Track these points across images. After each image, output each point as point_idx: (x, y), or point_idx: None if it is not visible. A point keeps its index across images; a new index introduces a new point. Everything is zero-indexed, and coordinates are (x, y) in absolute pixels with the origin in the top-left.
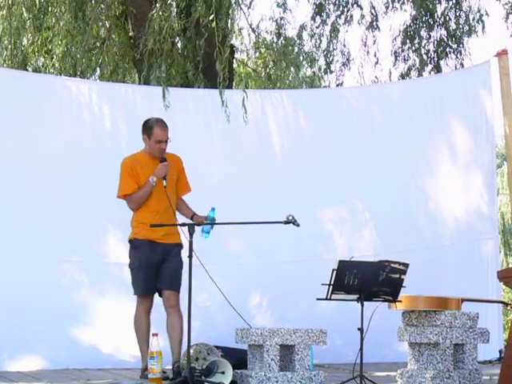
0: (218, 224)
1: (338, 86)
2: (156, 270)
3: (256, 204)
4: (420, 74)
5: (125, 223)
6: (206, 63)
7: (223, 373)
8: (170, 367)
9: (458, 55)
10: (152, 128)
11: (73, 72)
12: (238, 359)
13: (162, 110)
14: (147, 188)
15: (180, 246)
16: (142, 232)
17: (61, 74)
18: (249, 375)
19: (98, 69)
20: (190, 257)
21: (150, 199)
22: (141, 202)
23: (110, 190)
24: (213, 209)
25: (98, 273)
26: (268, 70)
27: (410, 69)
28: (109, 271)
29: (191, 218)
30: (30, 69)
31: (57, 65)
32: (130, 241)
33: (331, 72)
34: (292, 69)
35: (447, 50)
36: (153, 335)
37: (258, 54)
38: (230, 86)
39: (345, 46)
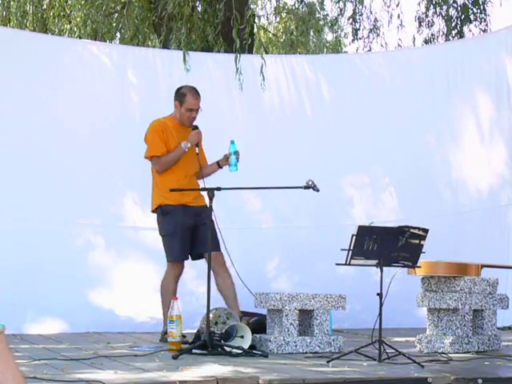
0: (238, 189)
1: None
2: (191, 235)
3: (276, 169)
4: (444, 40)
5: (142, 186)
6: (226, 27)
7: (242, 337)
8: (190, 331)
9: (482, 21)
10: (185, 95)
11: (93, 36)
12: (257, 324)
13: (182, 74)
14: (178, 152)
15: (207, 207)
16: (172, 197)
17: (81, 38)
18: (268, 339)
19: (118, 33)
20: (212, 222)
21: (179, 164)
22: (169, 165)
23: (129, 152)
24: (232, 142)
25: (114, 236)
26: (289, 35)
27: (433, 35)
28: (125, 235)
29: (218, 166)
30: (50, 33)
31: (77, 30)
32: (159, 207)
33: (359, 39)
34: (313, 34)
35: (471, 16)
36: (172, 299)
37: (279, 19)
38: (250, 51)
39: (371, 12)
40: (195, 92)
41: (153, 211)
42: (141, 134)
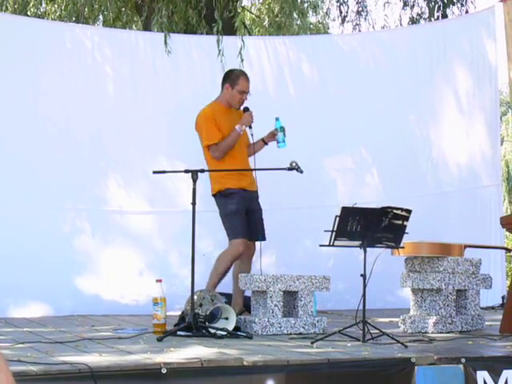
0: (222, 171)
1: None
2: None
3: (260, 151)
4: (427, 21)
5: (127, 169)
6: (209, 9)
7: (227, 318)
8: (174, 313)
9: (464, 3)
10: (238, 78)
11: (75, 18)
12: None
13: (165, 56)
14: (234, 136)
15: (257, 194)
16: (232, 181)
17: (63, 21)
18: (252, 321)
19: (100, 15)
20: (194, 203)
21: (235, 147)
22: (227, 150)
23: (112, 135)
24: (277, 118)
25: (99, 220)
26: (272, 16)
27: (419, 14)
28: (110, 219)
29: (264, 143)
30: (31, 15)
31: (59, 11)
32: (221, 191)
33: (346, 22)
34: (297, 16)
35: None
36: (157, 281)
37: (262, 0)
38: (233, 33)
39: None
40: (246, 75)
41: (213, 195)
42: (124, 116)
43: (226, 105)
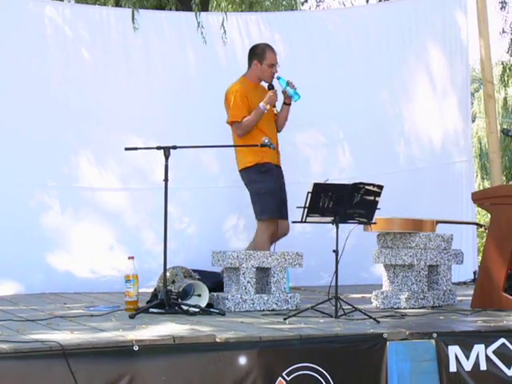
0: (195, 147)
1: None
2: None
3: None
4: None
5: (99, 146)
6: None
7: (199, 295)
8: (147, 290)
9: None
10: (265, 52)
11: None
12: (215, 282)
13: (137, 33)
14: (258, 114)
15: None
16: (268, 156)
17: None
18: (225, 298)
19: None
20: (166, 180)
21: (263, 124)
22: (250, 128)
23: (81, 111)
24: (278, 77)
25: (70, 197)
26: None
27: None
28: (81, 196)
29: (286, 105)
30: None
31: None
32: (256, 165)
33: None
34: None
35: None
36: (129, 258)
37: None
38: (205, 10)
39: None
40: (272, 47)
41: (241, 170)
42: (94, 91)
43: (256, 80)
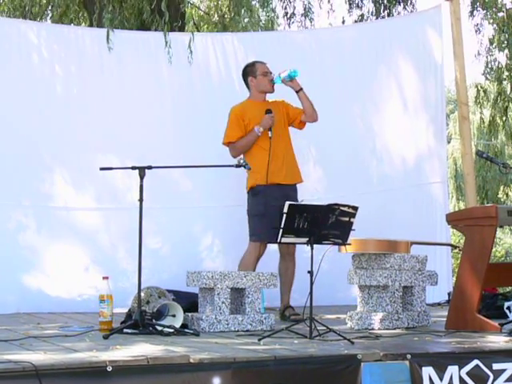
0: (170, 167)
1: None
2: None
3: (206, 147)
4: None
5: (74, 166)
6: (161, 4)
7: (174, 316)
8: (121, 311)
9: (409, 3)
10: (254, 65)
11: (22, 14)
12: (189, 302)
13: (112, 53)
14: (251, 137)
15: (295, 187)
16: (262, 177)
17: (10, 16)
18: (200, 318)
19: (49, 12)
20: (141, 200)
21: (266, 143)
22: (243, 150)
23: (59, 132)
24: (273, 82)
25: (45, 217)
26: (220, 12)
27: (363, 16)
28: (56, 215)
29: (298, 92)
30: None
31: (5, 7)
32: (250, 190)
33: (292, 23)
34: (245, 13)
35: None
36: (103, 278)
37: None
38: (182, 30)
39: None
40: (259, 61)
41: (248, 192)
42: (70, 111)
43: (259, 97)
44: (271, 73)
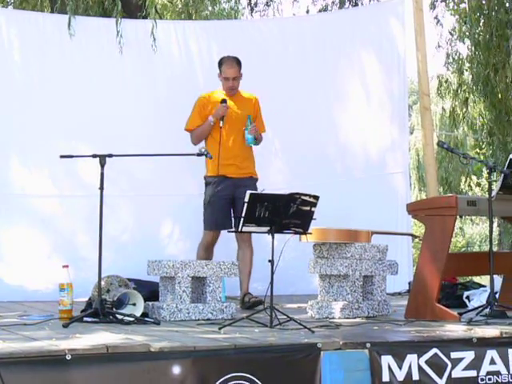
0: (130, 156)
1: None
2: (231, 206)
3: (169, 136)
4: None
5: (33, 153)
6: None
7: (134, 304)
8: (82, 299)
9: None
10: (221, 65)
11: None
12: (150, 291)
13: (73, 40)
14: (205, 126)
15: (251, 179)
16: (212, 169)
17: None
18: (160, 307)
19: None
20: (102, 188)
21: (217, 134)
22: (199, 138)
23: (17, 118)
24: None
25: (3, 204)
26: (184, 2)
27: (327, 6)
28: (14, 202)
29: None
30: None
31: None
32: (204, 178)
33: (255, 12)
34: (208, 2)
35: None
36: (63, 267)
37: None
38: (145, 17)
39: None
40: (232, 61)
41: None
42: (29, 97)
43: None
44: (237, 78)
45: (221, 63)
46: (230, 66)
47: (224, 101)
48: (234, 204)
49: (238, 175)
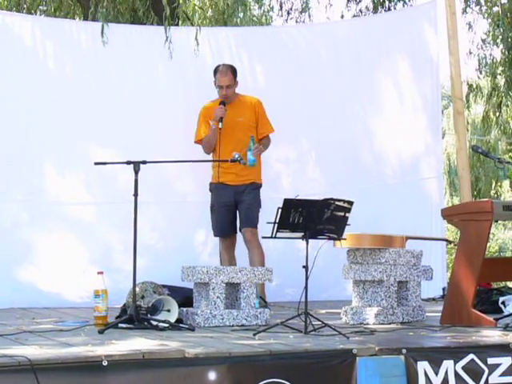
0: (164, 162)
1: None
2: (234, 212)
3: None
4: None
5: (68, 159)
6: (157, 0)
7: (169, 311)
8: (116, 306)
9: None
10: (215, 73)
11: (17, 8)
12: (184, 297)
13: (107, 47)
14: (211, 132)
15: (253, 184)
16: (214, 176)
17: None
18: (195, 313)
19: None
20: (136, 195)
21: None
22: (209, 145)
23: (52, 126)
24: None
25: (38, 211)
26: (215, 8)
27: (361, 11)
28: (49, 209)
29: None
30: None
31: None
32: (209, 185)
33: (290, 19)
34: (240, 8)
35: None
36: (98, 273)
37: None
38: (176, 24)
39: None
40: (226, 69)
41: None
42: (64, 105)
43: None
44: (230, 86)
45: (215, 71)
46: (224, 75)
47: (223, 103)
48: (238, 209)
49: (237, 182)
